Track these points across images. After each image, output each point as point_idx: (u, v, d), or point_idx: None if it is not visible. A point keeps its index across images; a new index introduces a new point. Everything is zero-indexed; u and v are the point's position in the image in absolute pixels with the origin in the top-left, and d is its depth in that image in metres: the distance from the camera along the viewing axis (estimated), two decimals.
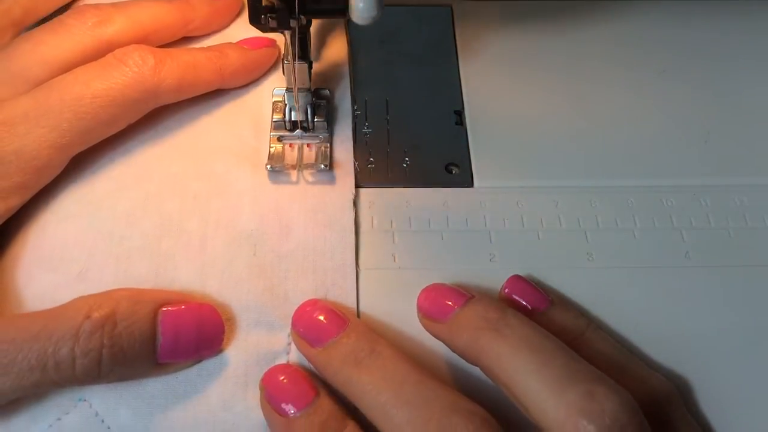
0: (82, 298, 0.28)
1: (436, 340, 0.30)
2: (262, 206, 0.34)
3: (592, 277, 0.33)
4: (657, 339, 0.31)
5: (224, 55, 0.36)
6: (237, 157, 0.35)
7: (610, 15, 0.43)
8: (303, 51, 0.33)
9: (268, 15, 0.30)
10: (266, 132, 0.36)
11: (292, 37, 0.32)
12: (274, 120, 0.36)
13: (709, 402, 0.30)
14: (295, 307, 0.31)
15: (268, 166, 0.34)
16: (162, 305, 0.28)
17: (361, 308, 0.31)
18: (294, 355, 0.30)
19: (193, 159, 0.35)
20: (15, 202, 0.31)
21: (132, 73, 0.33)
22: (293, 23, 0.31)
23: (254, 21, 0.31)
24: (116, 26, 0.35)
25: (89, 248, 0.32)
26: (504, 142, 0.37)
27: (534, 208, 0.35)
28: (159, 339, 0.28)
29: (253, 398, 0.29)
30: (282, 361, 0.30)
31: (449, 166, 0.36)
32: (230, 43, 0.38)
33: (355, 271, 0.32)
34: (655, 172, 0.37)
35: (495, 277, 0.32)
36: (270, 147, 0.35)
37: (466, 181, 0.36)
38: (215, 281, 0.31)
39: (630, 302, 0.32)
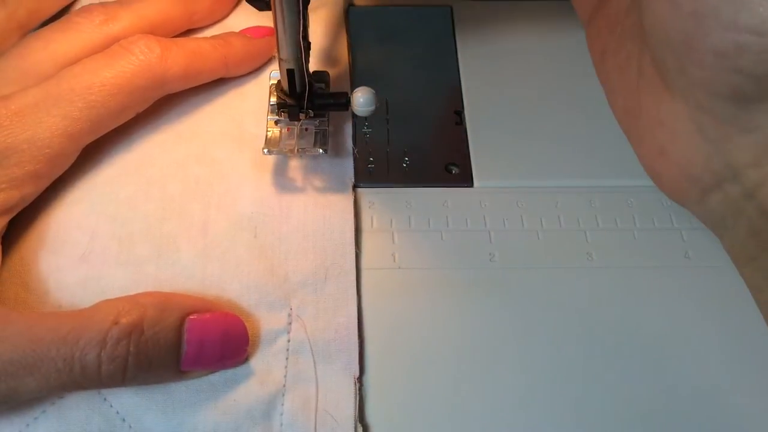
0: (109, 302, 0.28)
1: (435, 340, 0.31)
2: (262, 190, 0.34)
3: (592, 277, 0.33)
4: (656, 339, 0.31)
5: (228, 44, 0.37)
6: (238, 144, 0.36)
7: None
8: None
9: (281, 110, 0.34)
10: (266, 118, 0.36)
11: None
12: (271, 104, 0.36)
13: (709, 402, 0.30)
14: (296, 287, 0.31)
15: (265, 150, 0.34)
16: (189, 313, 0.28)
17: (362, 308, 0.31)
18: (295, 334, 0.31)
19: (194, 145, 0.35)
20: (29, 190, 0.31)
21: (138, 61, 0.33)
22: (302, 116, 0.34)
23: (252, 0, 0.32)
24: (123, 23, 0.35)
25: (92, 231, 0.32)
26: (504, 142, 0.37)
27: (534, 208, 0.35)
28: (184, 347, 0.28)
29: (248, 372, 0.30)
30: (283, 340, 0.30)
31: (449, 166, 0.36)
32: (233, 32, 0.38)
33: (354, 250, 0.33)
34: None
35: (495, 277, 0.32)
36: (267, 131, 0.35)
37: (466, 181, 0.36)
38: (216, 263, 0.32)
39: (630, 302, 0.32)
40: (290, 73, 0.32)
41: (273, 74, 0.37)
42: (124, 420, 0.28)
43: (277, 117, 0.36)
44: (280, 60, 0.32)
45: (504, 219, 0.35)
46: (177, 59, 0.34)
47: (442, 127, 0.38)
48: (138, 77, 0.33)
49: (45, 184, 0.32)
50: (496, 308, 0.32)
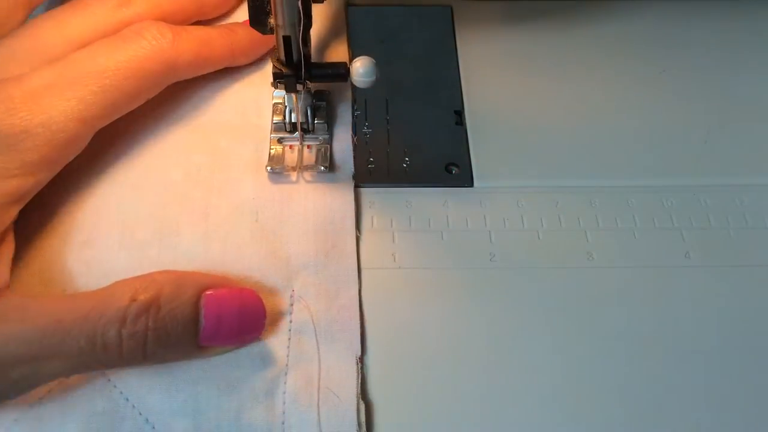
0: (125, 281, 0.28)
1: (436, 339, 0.31)
2: (264, 178, 0.35)
3: (592, 277, 0.33)
4: (657, 339, 0.31)
5: (234, 33, 0.37)
6: (240, 133, 0.36)
7: (610, 15, 0.43)
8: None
9: (277, 81, 0.33)
10: (268, 109, 0.37)
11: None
12: (274, 122, 0.36)
13: (709, 402, 0.30)
14: (298, 269, 0.32)
15: (268, 168, 0.34)
16: (205, 288, 0.29)
17: (362, 308, 0.31)
18: (297, 315, 0.31)
19: (197, 134, 0.36)
20: (43, 176, 0.31)
21: (151, 46, 0.33)
22: (299, 87, 0.33)
23: (255, 23, 0.31)
24: (136, 8, 0.35)
25: (95, 216, 0.33)
26: (504, 142, 0.37)
27: (534, 208, 0.35)
28: (201, 322, 0.28)
29: (251, 351, 0.30)
30: (285, 320, 0.31)
31: (449, 166, 0.36)
32: (238, 22, 0.39)
33: (355, 234, 0.33)
34: (655, 172, 0.37)
35: (495, 277, 0.32)
36: (270, 149, 0.36)
37: (466, 181, 0.36)
38: (218, 246, 0.32)
39: (630, 302, 0.32)
40: (286, 40, 0.31)
41: (276, 93, 0.37)
42: (127, 400, 0.29)
43: (280, 135, 0.36)
44: (277, 27, 0.31)
45: (504, 219, 0.35)
46: (188, 45, 0.34)
47: (442, 127, 0.38)
48: (151, 62, 0.33)
49: (57, 169, 0.31)
50: (496, 308, 0.32)
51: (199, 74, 0.36)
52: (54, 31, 0.33)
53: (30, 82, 0.30)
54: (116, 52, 0.32)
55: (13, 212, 0.30)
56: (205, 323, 0.28)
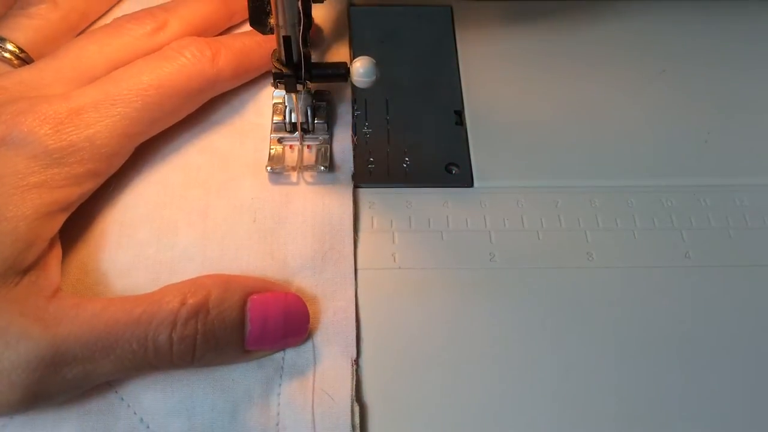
0: (174, 285, 0.29)
1: (436, 340, 0.30)
2: (262, 179, 0.35)
3: (592, 277, 0.33)
4: (657, 339, 0.31)
5: (270, 39, 0.37)
6: (239, 134, 0.36)
7: (610, 15, 0.43)
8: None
9: (277, 81, 0.33)
10: (268, 109, 0.37)
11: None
12: (274, 122, 0.36)
13: (709, 402, 0.30)
14: (295, 271, 0.32)
15: (268, 168, 0.35)
16: (250, 292, 0.29)
17: (361, 308, 0.31)
18: None
19: (196, 135, 0.36)
20: (89, 186, 0.31)
21: (191, 64, 0.34)
22: (299, 87, 0.34)
23: (255, 23, 0.31)
24: (172, 30, 0.36)
25: (93, 217, 0.33)
26: (504, 142, 0.37)
27: (534, 208, 0.35)
28: (247, 326, 0.29)
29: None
30: None
31: (449, 166, 0.36)
32: None
33: (352, 236, 0.33)
34: (655, 172, 0.37)
35: (495, 277, 0.32)
36: (270, 149, 0.36)
37: (466, 181, 0.36)
38: (216, 246, 0.32)
39: (630, 302, 0.32)
40: (287, 40, 0.31)
41: (276, 93, 0.37)
42: (122, 399, 0.29)
43: (280, 135, 0.36)
44: (277, 27, 0.31)
45: (504, 219, 0.35)
46: (227, 61, 0.35)
47: (442, 127, 0.38)
48: (192, 80, 0.34)
49: (102, 180, 0.32)
50: (496, 308, 0.32)
51: (239, 84, 0.37)
52: (97, 54, 0.34)
53: (76, 99, 0.31)
54: (158, 71, 0.33)
55: (61, 219, 0.30)
56: (251, 327, 0.29)
